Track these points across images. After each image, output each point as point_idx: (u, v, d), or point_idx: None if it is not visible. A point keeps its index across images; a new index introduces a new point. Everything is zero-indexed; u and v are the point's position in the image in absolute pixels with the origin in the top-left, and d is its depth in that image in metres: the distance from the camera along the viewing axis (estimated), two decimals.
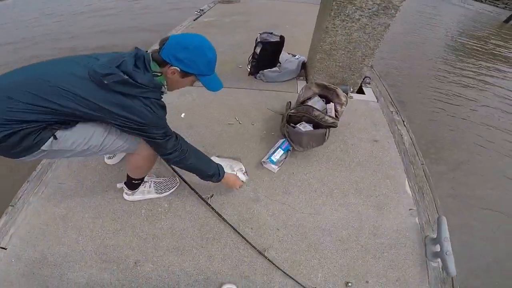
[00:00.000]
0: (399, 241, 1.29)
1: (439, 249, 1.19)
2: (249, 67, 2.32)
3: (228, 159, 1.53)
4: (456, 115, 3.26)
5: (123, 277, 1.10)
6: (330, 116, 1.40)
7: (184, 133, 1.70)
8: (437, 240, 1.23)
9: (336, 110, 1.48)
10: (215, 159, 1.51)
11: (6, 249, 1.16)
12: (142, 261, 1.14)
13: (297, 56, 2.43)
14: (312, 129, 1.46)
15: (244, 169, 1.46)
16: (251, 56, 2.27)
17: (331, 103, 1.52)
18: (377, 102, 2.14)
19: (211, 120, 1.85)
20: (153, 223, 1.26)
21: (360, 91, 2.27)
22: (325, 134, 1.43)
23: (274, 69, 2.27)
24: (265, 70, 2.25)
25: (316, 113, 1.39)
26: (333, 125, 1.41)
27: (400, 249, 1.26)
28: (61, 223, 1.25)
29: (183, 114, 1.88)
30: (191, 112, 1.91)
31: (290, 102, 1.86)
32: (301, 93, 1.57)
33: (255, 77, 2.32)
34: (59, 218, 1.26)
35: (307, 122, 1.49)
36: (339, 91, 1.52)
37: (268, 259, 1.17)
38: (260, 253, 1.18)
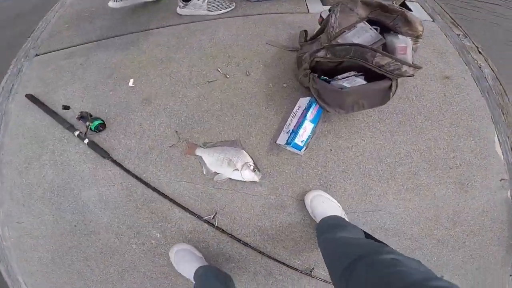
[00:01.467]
0: (484, 225, 0.99)
1: None
2: None
3: (221, 147, 0.99)
4: None
5: None
6: (408, 65, 0.70)
7: (141, 112, 1.09)
8: None
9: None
10: (200, 150, 1.00)
11: None
12: None
13: None
14: (364, 82, 0.81)
15: (252, 163, 0.96)
16: None
17: (399, 35, 0.76)
18: (433, 21, 1.38)
19: (177, 82, 1.15)
20: (153, 260, 0.95)
21: (403, 6, 1.42)
22: (390, 89, 0.80)
23: None
24: None
25: (384, 60, 0.70)
26: (410, 75, 0.75)
27: (485, 234, 0.98)
28: (53, 267, 1.00)
29: (131, 81, 1.17)
30: (143, 75, 1.17)
31: (305, 30, 1.08)
32: (332, 19, 0.80)
33: None
34: (50, 262, 1.00)
35: (354, 69, 0.82)
36: (411, 15, 0.75)
37: (317, 278, 0.90)
38: (305, 274, 0.90)
